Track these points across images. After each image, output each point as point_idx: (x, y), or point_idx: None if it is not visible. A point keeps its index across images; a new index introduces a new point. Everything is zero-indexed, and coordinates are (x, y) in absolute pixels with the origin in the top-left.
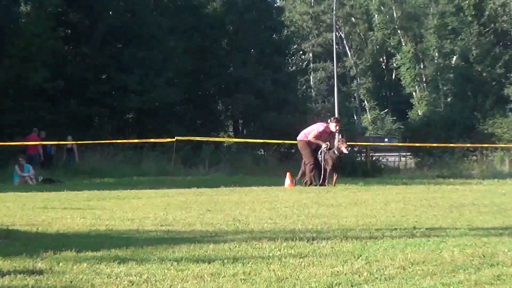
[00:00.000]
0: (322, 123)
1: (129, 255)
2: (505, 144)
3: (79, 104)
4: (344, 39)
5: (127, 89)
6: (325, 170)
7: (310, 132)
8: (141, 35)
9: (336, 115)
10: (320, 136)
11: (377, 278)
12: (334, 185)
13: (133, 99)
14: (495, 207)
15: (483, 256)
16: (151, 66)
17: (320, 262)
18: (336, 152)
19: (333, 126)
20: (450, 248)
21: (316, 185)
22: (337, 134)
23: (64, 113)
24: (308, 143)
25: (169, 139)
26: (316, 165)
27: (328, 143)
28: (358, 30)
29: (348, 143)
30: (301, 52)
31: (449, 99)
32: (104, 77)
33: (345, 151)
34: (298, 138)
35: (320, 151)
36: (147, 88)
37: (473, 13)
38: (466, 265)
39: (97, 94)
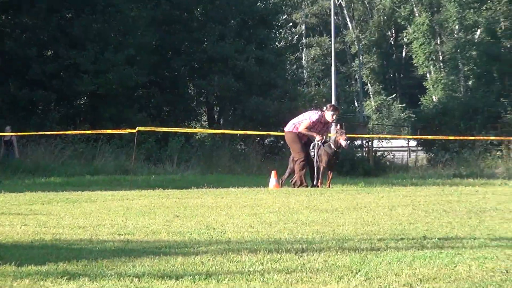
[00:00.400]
0: (316, 111)
1: (81, 269)
2: None
3: (20, 87)
4: (345, 8)
5: (78, 69)
6: (318, 168)
7: (301, 122)
8: (95, 3)
9: (333, 102)
10: (313, 127)
11: None
12: (329, 186)
13: (86, 81)
14: None
15: (506, 271)
16: (107, 41)
17: (311, 278)
18: (333, 146)
19: (329, 115)
20: (467, 262)
21: (307, 186)
22: (333, 124)
23: (1, 98)
24: (299, 135)
25: (129, 130)
26: (308, 162)
27: (322, 135)
28: None
29: (348, 135)
30: (291, 24)
31: (470, 82)
32: (50, 54)
33: (344, 144)
34: (286, 129)
35: (312, 145)
36: (103, 67)
37: None
38: (486, 282)
39: (42, 75)
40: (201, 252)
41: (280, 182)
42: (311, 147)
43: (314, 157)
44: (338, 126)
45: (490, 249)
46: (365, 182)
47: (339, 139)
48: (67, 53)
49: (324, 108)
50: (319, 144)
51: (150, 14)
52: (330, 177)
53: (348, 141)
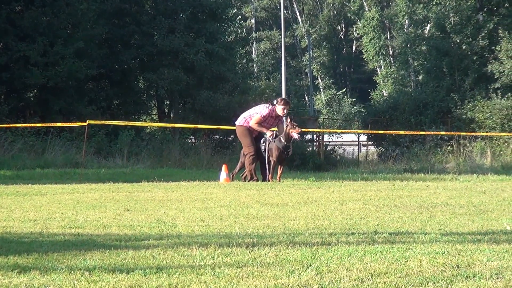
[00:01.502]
0: (267, 105)
1: (31, 263)
2: (486, 132)
3: None
4: (294, 2)
5: (27, 62)
6: (269, 162)
7: (251, 116)
8: None
9: (284, 96)
10: (264, 121)
11: None
12: (279, 180)
13: (35, 73)
14: (473, 208)
15: (457, 266)
16: (57, 33)
17: (262, 272)
18: (283, 140)
19: (280, 109)
20: (418, 257)
21: (257, 180)
22: (284, 118)
23: None
24: (249, 129)
25: (79, 123)
26: (258, 157)
27: (273, 130)
28: None
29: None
30: (239, 17)
31: (420, 77)
32: None
33: (296, 136)
34: (236, 123)
35: (263, 140)
36: (52, 60)
37: None
38: (437, 277)
39: None
40: (152, 246)
41: (231, 176)
42: (261, 142)
43: (264, 151)
44: (289, 120)
45: (441, 244)
46: (316, 176)
47: (292, 132)
48: (16, 45)
49: (275, 102)
50: (270, 139)
51: (100, 7)
52: (281, 171)
53: (301, 134)
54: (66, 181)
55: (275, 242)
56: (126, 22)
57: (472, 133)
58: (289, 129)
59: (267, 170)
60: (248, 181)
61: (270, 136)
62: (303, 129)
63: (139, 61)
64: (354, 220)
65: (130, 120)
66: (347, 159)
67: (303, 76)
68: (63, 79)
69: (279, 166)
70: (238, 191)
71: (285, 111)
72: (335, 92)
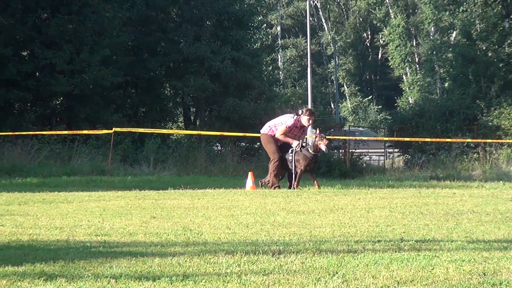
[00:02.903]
0: (292, 115)
1: (58, 270)
2: None
3: None
4: (320, 9)
5: (54, 69)
6: (296, 171)
7: (276, 125)
8: (71, 3)
9: (309, 103)
10: (289, 132)
11: None
12: (319, 188)
13: (62, 81)
14: (499, 216)
15: (484, 274)
16: (83, 41)
17: (288, 280)
18: (311, 151)
19: (305, 120)
20: (444, 264)
21: (279, 188)
22: (309, 128)
23: None
24: (273, 137)
25: (105, 131)
26: (282, 165)
27: (300, 141)
28: None
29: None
30: (264, 25)
31: (446, 84)
32: (25, 54)
33: (323, 148)
34: (261, 131)
35: (290, 150)
36: (78, 67)
37: None
38: (463, 285)
39: (17, 75)
40: (178, 253)
41: (260, 185)
42: (289, 152)
43: (291, 161)
44: (318, 131)
45: (467, 252)
46: (342, 184)
47: (320, 144)
48: (42, 53)
49: (300, 112)
50: (297, 149)
51: (126, 15)
52: (315, 181)
53: (327, 146)
54: (92, 189)
55: (301, 250)
56: (152, 29)
57: (498, 140)
58: (317, 141)
59: (293, 178)
60: (270, 187)
61: (296, 146)
62: (330, 137)
63: (165, 68)
64: (380, 227)
65: (156, 127)
66: (373, 167)
67: (329, 84)
68: (89, 87)
69: (311, 175)
70: (264, 199)
71: (310, 121)
72: (361, 99)
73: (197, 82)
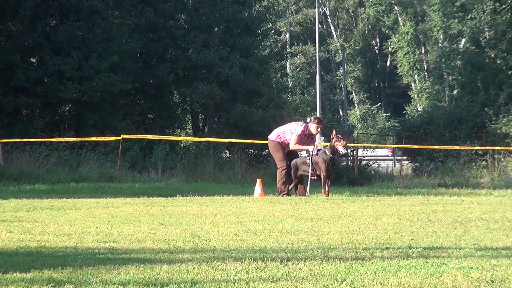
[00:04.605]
0: (300, 123)
1: (66, 277)
2: None
3: (4, 93)
4: (329, 17)
5: (62, 76)
6: (318, 176)
7: (285, 132)
8: (79, 9)
9: (318, 110)
10: (299, 140)
11: None
12: (327, 195)
13: (70, 88)
14: (508, 223)
15: (492, 281)
16: (91, 47)
17: (296, 287)
18: (328, 153)
19: (313, 128)
20: (452, 272)
21: (288, 195)
22: (317, 136)
23: None
24: (281, 144)
25: (114, 138)
26: (293, 173)
27: (315, 144)
28: (346, 6)
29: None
30: (272, 32)
31: (455, 92)
32: (34, 60)
33: (342, 150)
34: (269, 137)
35: (308, 155)
36: (87, 74)
37: None
38: None
39: (26, 82)
40: (186, 260)
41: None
42: (306, 155)
43: (309, 164)
44: (334, 133)
45: (475, 259)
46: (350, 191)
47: (337, 145)
48: (51, 59)
49: (308, 120)
50: (313, 152)
51: (134, 21)
52: (329, 185)
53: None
54: (101, 195)
55: (310, 257)
56: (161, 36)
57: (507, 148)
58: (334, 142)
59: (308, 185)
60: (279, 195)
61: (313, 150)
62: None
63: (174, 75)
64: (389, 234)
65: (165, 134)
66: (381, 174)
67: (338, 91)
68: (98, 93)
69: (327, 180)
70: (273, 206)
71: (319, 130)
72: (369, 106)
73: (205, 89)
